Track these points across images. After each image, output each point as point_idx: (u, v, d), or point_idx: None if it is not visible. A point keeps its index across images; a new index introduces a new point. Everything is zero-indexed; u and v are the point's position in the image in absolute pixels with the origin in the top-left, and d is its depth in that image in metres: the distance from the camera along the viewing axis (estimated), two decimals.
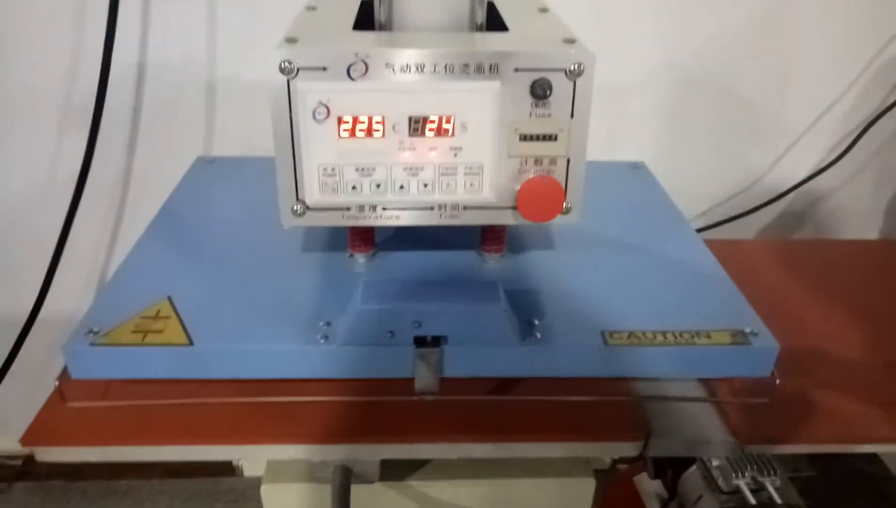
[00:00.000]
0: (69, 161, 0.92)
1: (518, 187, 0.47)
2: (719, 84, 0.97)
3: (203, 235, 0.61)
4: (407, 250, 0.59)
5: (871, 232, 1.11)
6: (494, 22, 0.52)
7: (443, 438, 0.50)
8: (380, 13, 0.50)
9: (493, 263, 0.57)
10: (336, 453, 0.51)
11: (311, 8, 0.55)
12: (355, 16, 0.53)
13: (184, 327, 0.49)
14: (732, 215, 1.03)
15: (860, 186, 1.07)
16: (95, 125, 0.87)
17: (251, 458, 0.53)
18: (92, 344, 0.47)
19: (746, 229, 1.07)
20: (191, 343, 0.47)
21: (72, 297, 1.04)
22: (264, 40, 0.86)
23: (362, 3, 0.56)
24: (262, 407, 0.50)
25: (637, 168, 0.77)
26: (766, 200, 1.02)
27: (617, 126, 0.98)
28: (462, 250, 0.59)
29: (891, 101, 0.96)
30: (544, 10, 0.56)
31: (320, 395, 0.50)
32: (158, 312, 0.50)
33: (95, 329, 0.48)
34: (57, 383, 0.48)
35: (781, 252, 0.74)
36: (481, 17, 0.50)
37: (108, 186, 0.97)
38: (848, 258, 0.73)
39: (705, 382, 0.55)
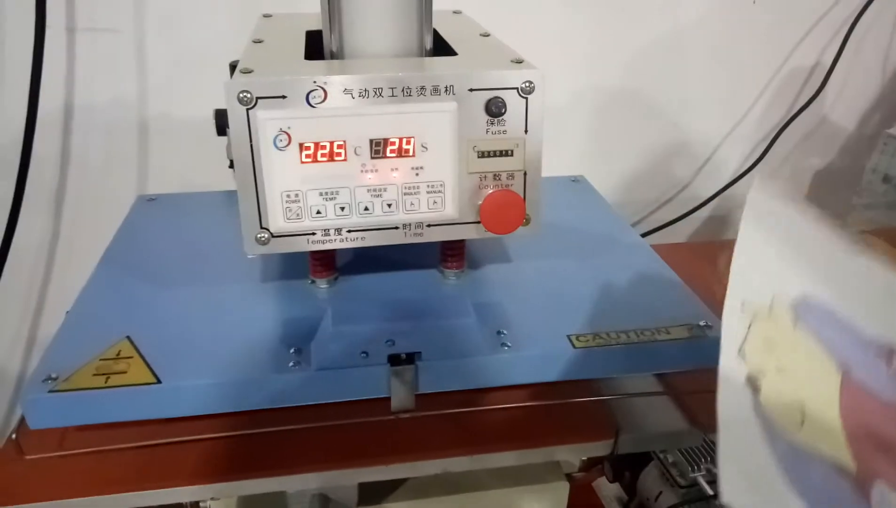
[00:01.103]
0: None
1: (480, 202, 0.49)
2: (642, 100, 1.03)
3: (155, 272, 0.59)
4: (368, 273, 0.59)
5: None
6: (440, 48, 0.54)
7: (421, 455, 0.50)
8: (330, 42, 0.51)
9: (454, 279, 0.59)
10: (313, 481, 0.50)
11: (257, 41, 0.55)
12: (303, 46, 0.53)
13: (148, 365, 0.47)
14: (664, 222, 1.09)
15: None
16: (22, 173, 0.83)
17: (224, 495, 0.52)
18: (52, 391, 0.45)
19: (679, 234, 1.13)
20: (158, 381, 0.46)
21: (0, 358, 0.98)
22: (196, 76, 0.87)
23: (308, 34, 0.57)
24: (232, 441, 0.49)
25: (577, 182, 0.80)
26: (692, 206, 1.09)
27: (549, 144, 1.02)
28: (423, 270, 0.60)
29: (798, 106, 1.05)
30: (486, 35, 0.59)
31: (293, 423, 0.50)
32: (119, 352, 0.48)
33: (53, 376, 0.46)
34: (14, 436, 0.45)
35: (712, 252, 0.79)
36: (429, 42, 0.52)
37: (37, 237, 0.93)
38: None
39: (665, 377, 0.58)
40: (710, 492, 0.70)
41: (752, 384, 0.36)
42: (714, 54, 1.01)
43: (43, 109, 0.83)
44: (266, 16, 0.66)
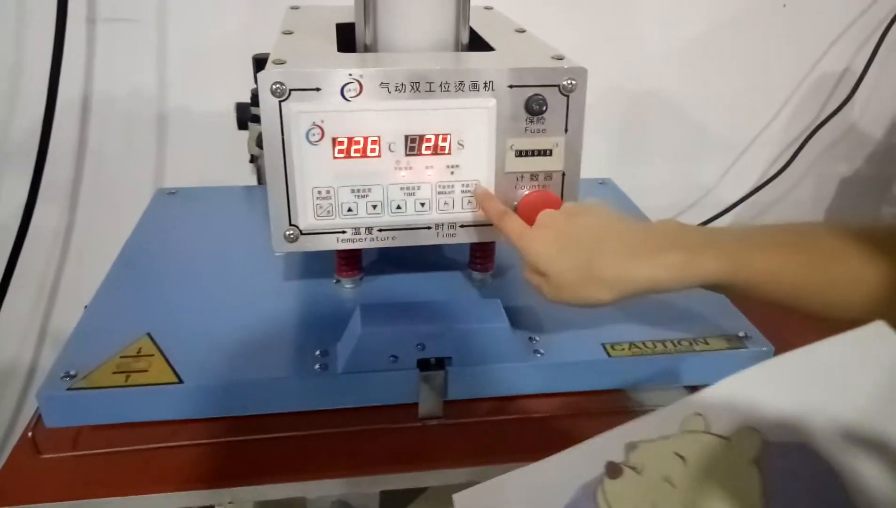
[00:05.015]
0: (10, 204, 0.86)
1: (516, 203, 0.47)
2: (668, 102, 1.01)
3: (175, 267, 0.58)
4: (394, 274, 0.58)
5: None
6: (475, 43, 0.53)
7: (447, 464, 0.48)
8: (364, 35, 0.49)
9: (483, 281, 0.57)
10: (334, 487, 0.48)
11: (287, 32, 0.54)
12: (335, 39, 0.52)
13: (170, 364, 0.46)
14: None
15: (802, 194, 1.12)
16: (39, 164, 0.82)
17: (241, 500, 0.50)
18: (70, 389, 0.43)
19: None
20: (180, 381, 0.44)
21: (12, 349, 0.97)
22: (217, 69, 0.86)
23: (339, 27, 0.55)
24: (252, 444, 0.47)
25: (604, 184, 0.79)
26: (717, 211, 1.07)
27: None
28: (450, 271, 0.58)
29: (827, 112, 1.03)
30: (521, 30, 0.57)
31: (316, 427, 0.48)
32: (140, 350, 0.47)
33: (72, 373, 0.44)
34: (31, 434, 0.44)
35: None
36: (466, 37, 0.51)
37: (53, 228, 0.91)
38: None
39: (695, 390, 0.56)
40: None
41: (609, 469, 0.33)
42: (742, 57, 0.98)
43: (62, 100, 0.82)
44: (294, 7, 0.64)
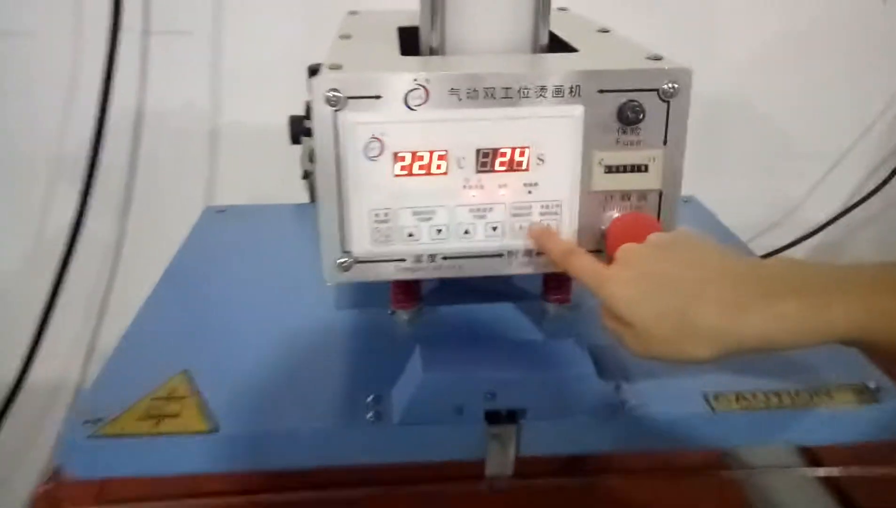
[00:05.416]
0: (60, 217, 0.84)
1: (604, 227, 0.40)
2: (752, 110, 0.92)
3: (219, 294, 0.53)
4: (456, 304, 0.51)
5: None
6: (554, 45, 0.46)
7: None
8: (430, 37, 0.43)
9: (559, 315, 0.50)
10: None
11: (345, 37, 0.49)
12: (398, 42, 0.46)
13: (205, 408, 0.40)
14: (774, 247, 0.97)
15: None
16: (89, 178, 0.80)
17: None
18: (92, 436, 0.38)
19: None
20: (215, 430, 0.39)
21: (59, 366, 0.95)
22: (271, 82, 0.83)
23: (401, 31, 0.50)
24: (295, 503, 0.42)
25: (688, 202, 0.71)
26: (803, 230, 0.97)
27: None
28: (520, 302, 0.52)
29: None
30: (604, 30, 0.51)
31: (368, 485, 0.42)
32: (173, 390, 0.42)
33: (97, 417, 0.39)
34: (49, 485, 0.39)
35: None
36: (545, 37, 0.44)
37: (102, 243, 0.89)
38: None
39: (814, 450, 0.47)
40: None
41: None
42: (834, 60, 0.89)
43: (114, 113, 0.81)
44: (352, 13, 0.59)
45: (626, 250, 0.36)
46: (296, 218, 0.67)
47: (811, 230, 0.97)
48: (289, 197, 0.81)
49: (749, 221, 1.00)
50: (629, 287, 0.34)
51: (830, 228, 0.98)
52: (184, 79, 0.84)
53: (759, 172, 0.96)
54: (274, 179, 0.86)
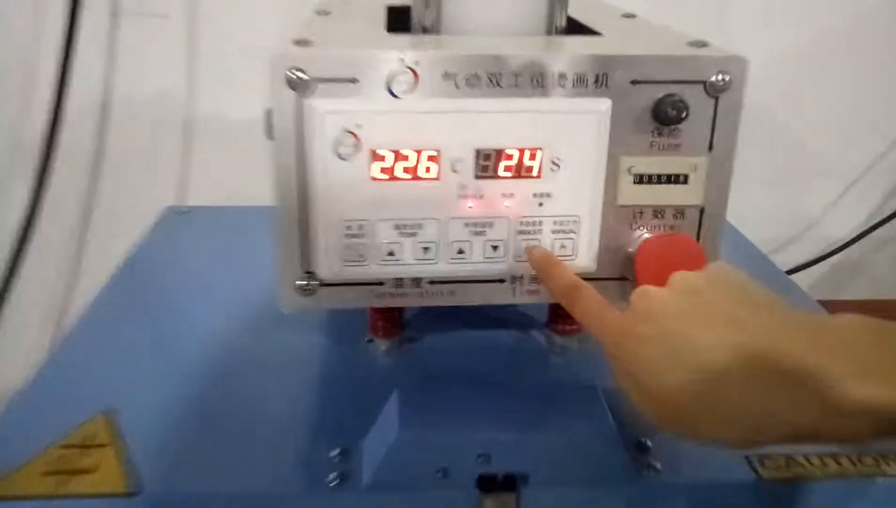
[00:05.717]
0: (10, 219, 0.76)
1: (632, 250, 0.33)
2: (768, 120, 0.88)
3: (164, 311, 0.46)
4: (445, 332, 0.44)
5: None
6: (575, 29, 0.39)
7: None
8: (424, 16, 0.36)
9: (566, 347, 0.42)
10: None
11: (322, 13, 0.41)
12: (384, 20, 0.39)
13: (129, 462, 0.32)
14: (791, 266, 0.91)
15: None
16: (42, 173, 0.73)
17: None
18: None
19: (797, 281, 0.96)
20: (137, 491, 0.31)
21: (8, 375, 0.87)
22: (253, 70, 0.75)
23: (390, 9, 0.42)
24: None
25: None
26: (821, 247, 0.93)
27: None
28: (522, 331, 0.44)
29: None
30: (630, 15, 0.43)
31: None
32: (90, 437, 0.34)
33: None
34: None
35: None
36: (562, 19, 0.37)
37: (56, 247, 0.81)
38: None
39: None
40: None
41: None
42: (857, 69, 0.85)
43: (76, 102, 0.74)
44: None
45: (643, 296, 0.27)
46: (265, 224, 0.59)
47: (833, 249, 0.91)
48: (271, 197, 0.74)
49: (763, 236, 0.94)
50: (645, 345, 0.26)
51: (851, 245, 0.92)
52: (156, 65, 0.78)
53: (775, 186, 0.93)
54: (254, 177, 0.78)
